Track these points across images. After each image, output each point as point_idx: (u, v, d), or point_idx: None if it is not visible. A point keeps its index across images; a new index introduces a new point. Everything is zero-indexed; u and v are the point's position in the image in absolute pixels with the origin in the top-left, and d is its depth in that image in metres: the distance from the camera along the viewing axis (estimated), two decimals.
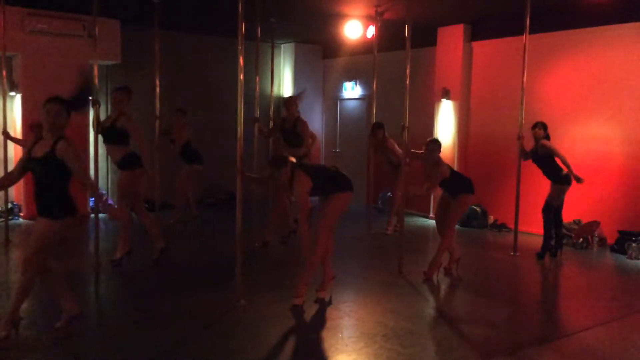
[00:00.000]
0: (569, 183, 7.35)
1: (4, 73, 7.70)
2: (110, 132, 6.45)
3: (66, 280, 4.64)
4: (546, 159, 7.41)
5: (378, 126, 8.74)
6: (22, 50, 9.18)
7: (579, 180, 7.20)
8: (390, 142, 8.75)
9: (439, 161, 6.40)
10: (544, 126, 7.47)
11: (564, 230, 8.48)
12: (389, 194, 10.09)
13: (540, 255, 7.55)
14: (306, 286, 5.40)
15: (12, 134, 8.63)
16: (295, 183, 5.22)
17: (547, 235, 7.57)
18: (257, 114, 7.84)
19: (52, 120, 4.26)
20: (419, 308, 5.50)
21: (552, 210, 7.49)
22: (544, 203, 7.53)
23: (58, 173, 4.27)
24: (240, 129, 5.23)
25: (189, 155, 8.90)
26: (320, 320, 4.97)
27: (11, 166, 8.66)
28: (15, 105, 9.59)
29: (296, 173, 5.23)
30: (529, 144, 7.83)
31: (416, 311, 5.36)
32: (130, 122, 6.42)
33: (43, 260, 4.36)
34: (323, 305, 5.36)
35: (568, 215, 8.55)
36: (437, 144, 6.51)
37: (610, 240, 8.17)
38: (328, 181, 5.39)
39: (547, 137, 7.44)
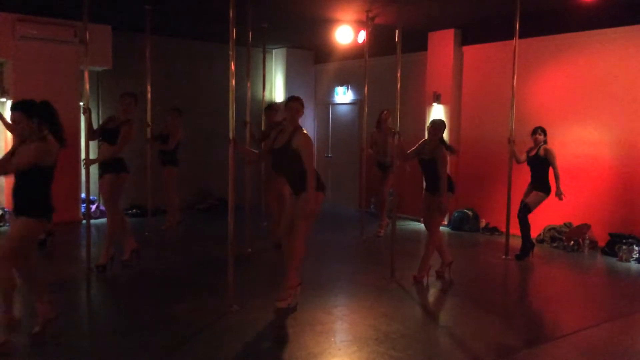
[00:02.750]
0: (549, 193, 7.58)
1: None
2: (109, 134, 6.50)
3: (45, 283, 4.61)
4: (543, 164, 7.55)
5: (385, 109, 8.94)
6: (13, 56, 9.15)
7: (561, 195, 7.47)
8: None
9: (441, 145, 6.44)
10: (544, 131, 7.64)
11: (555, 233, 8.57)
12: (373, 198, 10.06)
13: (523, 254, 7.66)
14: (292, 288, 5.41)
15: (2, 139, 8.62)
16: (307, 137, 5.24)
17: (529, 237, 7.68)
18: (248, 118, 7.83)
19: (19, 131, 4.26)
20: (412, 312, 5.52)
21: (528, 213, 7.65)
22: (523, 206, 7.61)
23: (31, 174, 4.29)
24: (231, 134, 5.23)
25: (172, 156, 8.69)
26: (312, 325, 4.97)
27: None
28: (6, 111, 9.54)
29: (304, 130, 5.30)
30: (519, 148, 7.90)
31: (409, 315, 5.37)
32: (126, 125, 6.45)
33: (24, 261, 4.35)
34: (315, 310, 5.36)
35: (559, 218, 8.62)
36: (443, 123, 6.59)
37: (601, 243, 8.21)
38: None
39: (545, 142, 7.63)
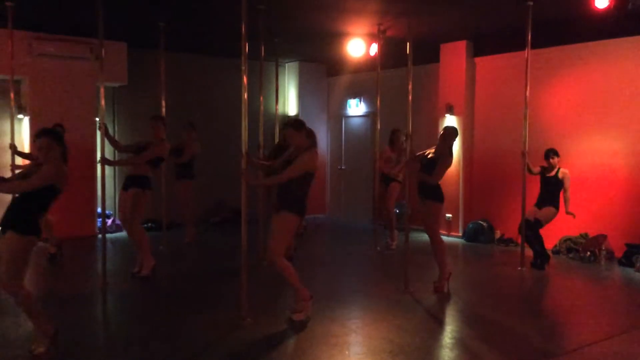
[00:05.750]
0: (558, 210, 7.76)
1: (12, 96, 7.80)
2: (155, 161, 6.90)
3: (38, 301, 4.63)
4: (559, 185, 7.68)
5: (398, 129, 8.97)
6: (30, 73, 9.31)
7: (570, 214, 7.67)
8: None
9: (449, 151, 6.48)
10: (556, 153, 7.74)
11: (571, 244, 8.50)
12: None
13: (541, 266, 7.65)
14: (305, 301, 5.40)
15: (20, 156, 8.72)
16: (304, 155, 5.20)
17: (544, 248, 7.75)
18: (261, 134, 7.82)
19: (43, 157, 4.35)
20: (426, 324, 5.48)
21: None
22: (535, 222, 7.66)
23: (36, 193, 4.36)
24: (244, 148, 5.28)
25: (189, 170, 8.81)
26: (326, 337, 4.96)
27: None
28: (24, 128, 9.70)
29: (312, 150, 5.27)
30: (533, 158, 7.87)
31: (423, 327, 5.34)
32: (154, 143, 6.81)
33: (20, 279, 4.36)
34: (329, 322, 5.35)
35: (575, 228, 8.54)
36: (456, 130, 6.66)
37: (618, 254, 8.12)
38: (301, 194, 5.33)
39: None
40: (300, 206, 5.33)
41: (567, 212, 7.66)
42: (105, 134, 6.58)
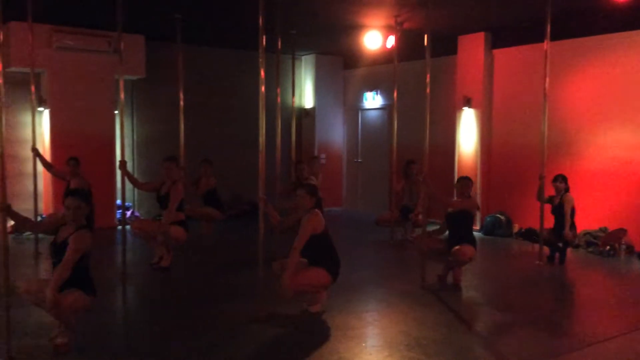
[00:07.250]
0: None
1: (33, 89, 7.88)
2: (163, 200, 7.02)
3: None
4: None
5: (412, 161, 9.02)
6: (50, 66, 9.41)
7: (569, 237, 7.53)
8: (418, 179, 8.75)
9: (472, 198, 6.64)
10: (564, 179, 7.57)
11: (591, 238, 8.42)
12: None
13: (560, 260, 7.63)
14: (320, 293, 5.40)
15: (40, 148, 8.84)
16: (306, 219, 5.19)
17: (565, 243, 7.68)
18: (279, 126, 7.77)
19: (71, 216, 4.40)
20: (443, 317, 5.47)
21: None
22: (565, 243, 7.60)
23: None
24: (262, 140, 5.30)
25: (211, 202, 8.80)
26: (343, 330, 4.98)
27: (40, 181, 8.90)
28: (44, 120, 9.81)
29: (316, 211, 5.27)
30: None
31: (440, 320, 5.34)
32: (174, 187, 6.92)
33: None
34: (346, 314, 5.37)
35: (594, 222, 8.46)
36: (470, 179, 6.73)
37: (638, 248, 8.04)
38: (325, 252, 5.32)
39: (567, 189, 7.56)
40: (333, 266, 5.33)
41: (564, 234, 7.45)
42: (124, 170, 6.67)
